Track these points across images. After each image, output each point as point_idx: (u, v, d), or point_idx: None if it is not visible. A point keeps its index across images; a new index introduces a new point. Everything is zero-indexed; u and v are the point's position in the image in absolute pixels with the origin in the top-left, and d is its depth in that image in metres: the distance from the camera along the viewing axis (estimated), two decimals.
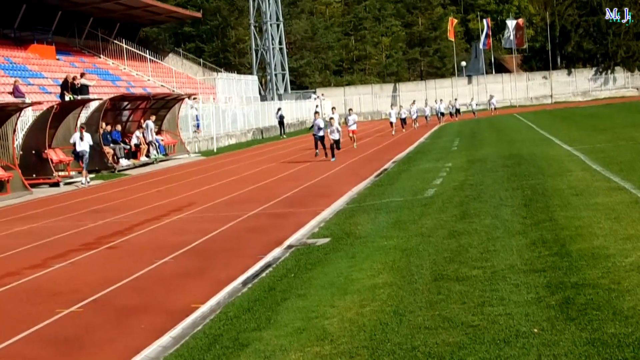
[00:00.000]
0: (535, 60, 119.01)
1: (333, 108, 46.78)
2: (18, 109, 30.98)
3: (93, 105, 39.08)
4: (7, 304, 12.01)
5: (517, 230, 13.35)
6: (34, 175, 32.42)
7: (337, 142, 36.26)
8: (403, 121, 63.05)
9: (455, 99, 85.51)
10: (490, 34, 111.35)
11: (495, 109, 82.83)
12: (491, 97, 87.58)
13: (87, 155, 33.32)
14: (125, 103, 42.93)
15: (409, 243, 13.31)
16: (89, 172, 34.93)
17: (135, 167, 39.97)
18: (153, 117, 44.68)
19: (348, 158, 35.97)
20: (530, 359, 7.06)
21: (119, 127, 41.05)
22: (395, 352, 7.51)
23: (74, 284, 13.09)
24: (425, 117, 72.88)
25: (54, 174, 33.03)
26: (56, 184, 32.60)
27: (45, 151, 33.05)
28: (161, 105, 46.55)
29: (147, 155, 42.73)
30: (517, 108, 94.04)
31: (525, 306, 8.72)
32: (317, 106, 75.85)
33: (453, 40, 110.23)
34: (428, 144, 43.48)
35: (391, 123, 59.30)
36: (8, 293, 12.81)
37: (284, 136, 68.53)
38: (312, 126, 37.81)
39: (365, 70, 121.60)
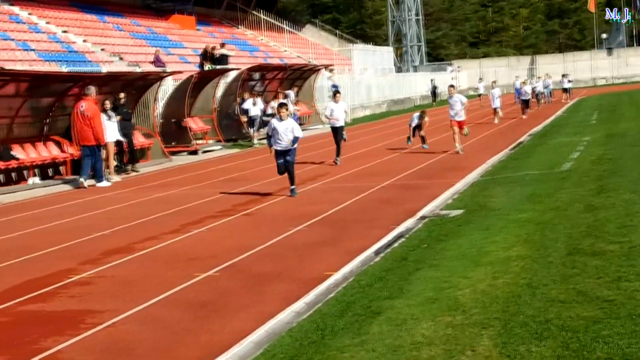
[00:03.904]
0: None
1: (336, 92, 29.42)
2: (159, 78, 31.70)
3: (231, 75, 39.64)
4: (147, 267, 12.37)
5: None
6: (174, 143, 33.17)
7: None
8: (525, 103, 46.72)
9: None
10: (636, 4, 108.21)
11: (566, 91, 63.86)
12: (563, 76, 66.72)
13: (258, 120, 37.04)
14: (262, 73, 43.40)
15: (543, 216, 13.15)
16: (227, 140, 35.68)
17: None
18: (295, 89, 45.20)
19: (483, 131, 35.65)
20: None
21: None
22: (528, 324, 7.46)
23: (211, 249, 13.38)
24: (537, 97, 55.18)
25: (192, 142, 33.72)
26: (194, 152, 33.28)
27: (185, 120, 33.75)
28: (297, 76, 46.90)
29: None
30: None
31: None
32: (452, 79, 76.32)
33: (594, 11, 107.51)
34: (565, 117, 42.69)
35: (495, 110, 43.13)
36: (148, 256, 13.19)
37: (435, 104, 70.44)
38: (272, 133, 19.17)
39: (502, 42, 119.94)
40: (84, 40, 42.66)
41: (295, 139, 18.93)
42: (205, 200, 19.51)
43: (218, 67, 40.10)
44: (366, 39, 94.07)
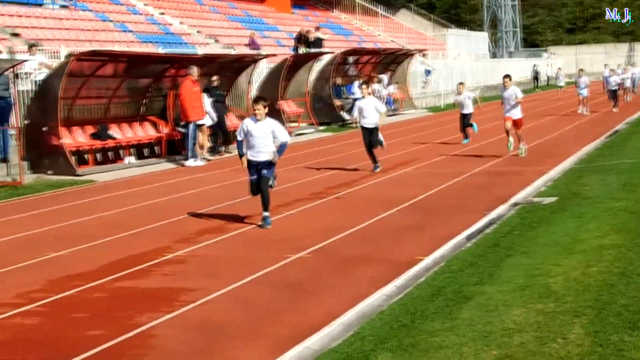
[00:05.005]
0: None
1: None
2: (253, 60, 31.91)
3: (325, 58, 39.68)
4: (239, 247, 12.51)
5: None
6: None
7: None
8: (612, 94, 41.38)
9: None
10: None
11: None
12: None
13: None
14: (356, 57, 43.37)
15: (639, 205, 12.94)
16: (321, 124, 35.84)
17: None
18: (388, 73, 45.16)
19: (577, 119, 35.15)
20: None
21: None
22: (622, 313, 7.38)
23: (302, 231, 13.48)
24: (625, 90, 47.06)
25: (285, 125, 33.85)
26: None
27: (278, 102, 33.92)
28: (391, 61, 46.76)
29: None
30: None
31: None
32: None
33: None
34: None
35: (582, 100, 38.97)
36: (240, 237, 13.34)
37: (537, 90, 70.69)
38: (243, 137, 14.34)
39: (599, 29, 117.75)
40: (181, 23, 43.17)
41: (282, 147, 14.28)
42: (297, 182, 19.61)
43: (312, 50, 40.21)
44: (461, 24, 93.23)
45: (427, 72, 53.93)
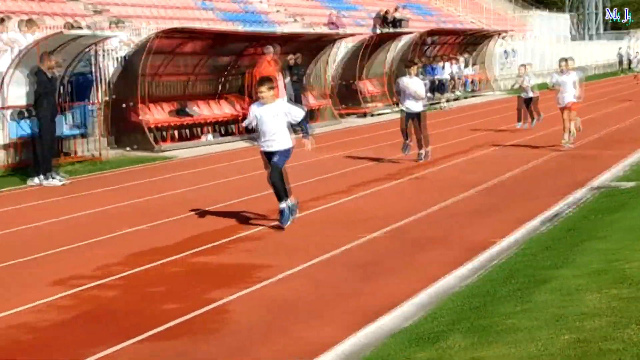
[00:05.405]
0: None
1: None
2: (332, 40, 31.91)
3: (404, 39, 39.48)
4: (313, 226, 12.57)
5: None
6: (344, 106, 33.36)
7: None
8: None
9: None
10: None
11: None
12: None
13: (447, 84, 39.73)
14: (436, 37, 43.10)
15: None
16: (398, 104, 35.70)
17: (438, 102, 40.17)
18: (466, 54, 44.87)
19: None
20: None
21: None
22: None
23: (376, 211, 13.50)
24: None
25: (362, 105, 33.87)
26: (364, 115, 33.42)
27: (356, 82, 33.91)
28: (471, 42, 46.41)
29: (452, 91, 42.85)
30: None
31: None
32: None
33: None
34: None
35: None
36: (315, 216, 13.40)
37: (622, 73, 69.89)
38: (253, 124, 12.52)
39: None
40: (261, 2, 43.32)
41: (304, 124, 13.07)
42: (372, 163, 19.62)
43: (392, 30, 40.06)
44: (542, 5, 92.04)
45: (506, 54, 53.37)
